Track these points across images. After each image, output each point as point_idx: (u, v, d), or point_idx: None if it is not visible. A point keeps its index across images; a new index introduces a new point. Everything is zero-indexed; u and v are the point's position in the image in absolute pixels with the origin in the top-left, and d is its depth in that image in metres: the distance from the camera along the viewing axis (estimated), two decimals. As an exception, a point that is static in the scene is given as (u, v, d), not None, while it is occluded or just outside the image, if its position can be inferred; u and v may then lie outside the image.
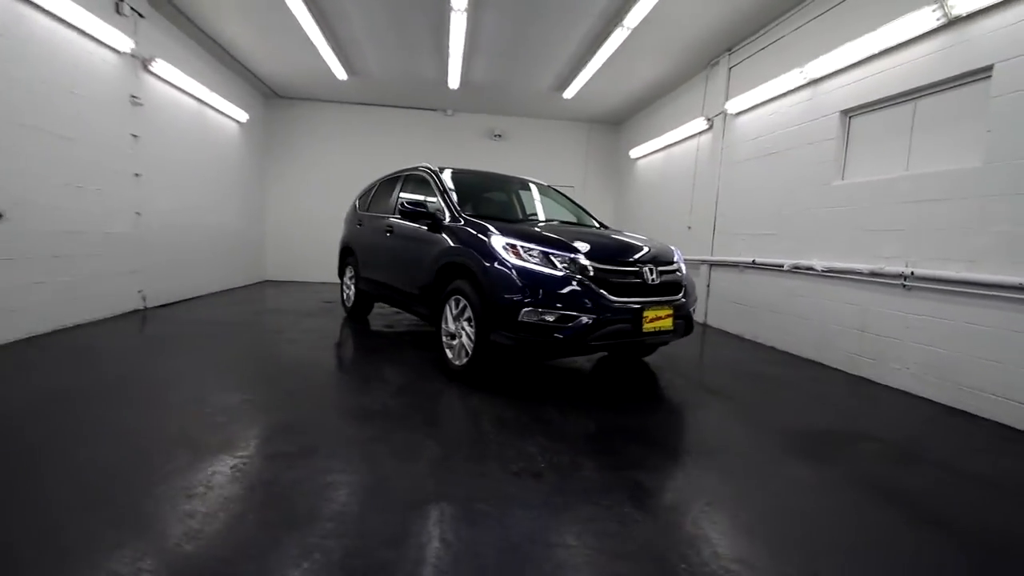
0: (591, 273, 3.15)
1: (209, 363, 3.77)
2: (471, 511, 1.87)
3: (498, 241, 3.28)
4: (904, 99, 4.01)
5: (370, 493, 1.96)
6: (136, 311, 5.42)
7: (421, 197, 4.35)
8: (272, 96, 9.24)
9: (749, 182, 5.89)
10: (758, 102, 5.69)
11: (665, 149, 8.17)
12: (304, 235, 9.64)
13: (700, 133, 7.07)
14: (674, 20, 5.55)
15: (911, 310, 3.81)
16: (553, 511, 1.90)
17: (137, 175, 5.40)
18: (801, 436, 2.87)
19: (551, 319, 3.02)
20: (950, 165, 3.61)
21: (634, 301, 3.21)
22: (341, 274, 6.22)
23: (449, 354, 3.62)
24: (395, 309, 5.99)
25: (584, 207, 5.22)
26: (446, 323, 3.64)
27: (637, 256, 3.46)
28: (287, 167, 9.59)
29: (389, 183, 5.40)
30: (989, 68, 3.33)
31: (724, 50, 6.39)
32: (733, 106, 6.10)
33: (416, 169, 4.87)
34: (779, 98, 5.38)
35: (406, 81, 8.18)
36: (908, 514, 2.06)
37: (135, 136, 5.35)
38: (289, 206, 9.62)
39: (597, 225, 4.73)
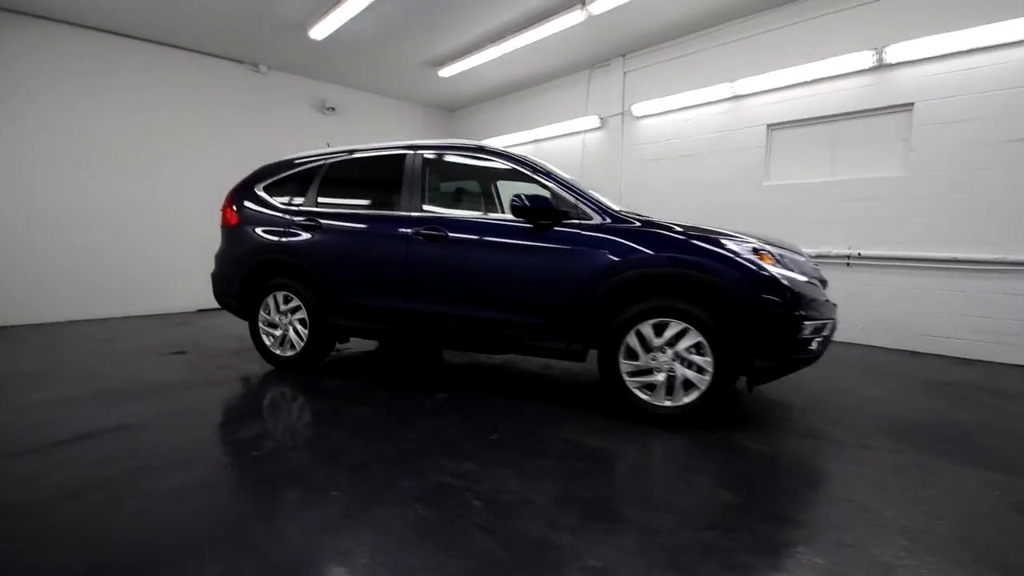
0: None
1: None
2: None
3: (742, 247, 2.66)
4: (829, 120, 5.18)
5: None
6: None
7: (545, 193, 3.04)
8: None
9: (664, 180, 6.49)
10: (671, 109, 6.31)
11: (535, 143, 8.13)
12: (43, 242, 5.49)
13: (588, 131, 7.35)
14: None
15: (853, 282, 5.02)
16: None
17: None
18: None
19: (819, 330, 2.67)
20: (879, 173, 4.89)
21: None
22: (253, 309, 3.82)
23: (645, 396, 2.74)
24: (361, 345, 4.06)
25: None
26: (630, 359, 2.74)
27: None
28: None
29: (368, 165, 3.66)
30: (911, 104, 4.64)
31: (617, 55, 6.79)
32: (639, 109, 6.57)
33: (441, 148, 3.43)
34: (697, 107, 6.10)
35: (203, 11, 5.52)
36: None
37: None
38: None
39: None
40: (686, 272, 2.64)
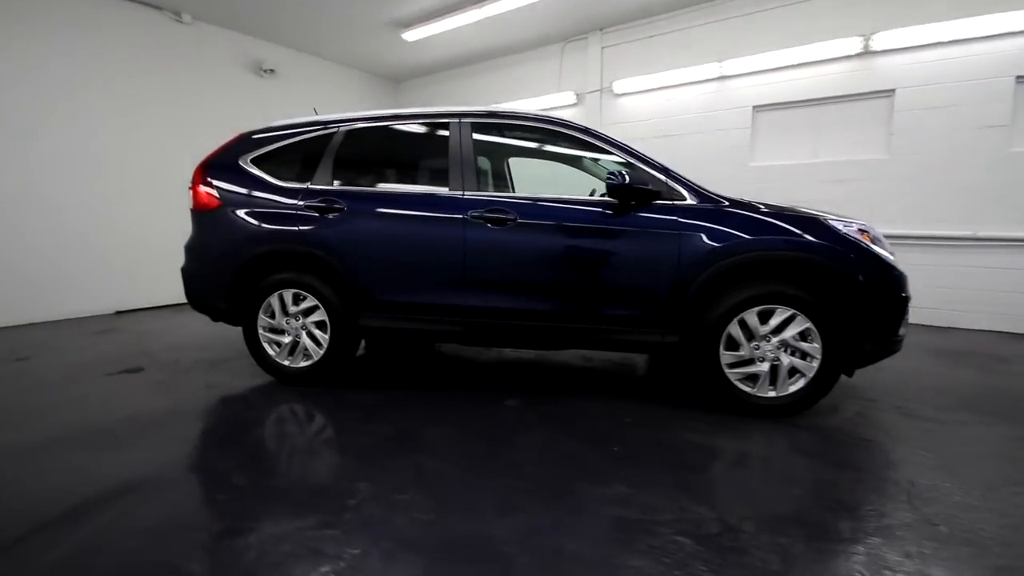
0: None
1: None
2: None
3: (849, 227, 2.54)
4: (813, 103, 5.36)
5: None
6: None
7: (647, 168, 2.68)
8: None
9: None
10: (655, 87, 6.20)
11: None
12: None
13: (562, 107, 7.04)
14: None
15: (836, 260, 5.31)
16: None
17: None
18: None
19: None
20: (861, 156, 5.16)
21: None
22: (249, 312, 3.06)
23: (747, 388, 2.58)
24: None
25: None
26: (730, 349, 2.56)
27: None
28: None
29: (400, 135, 3.13)
30: (892, 91, 4.92)
31: (594, 29, 6.53)
32: (620, 87, 6.39)
33: (494, 115, 2.97)
34: (682, 86, 6.05)
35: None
36: None
37: None
38: None
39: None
40: (801, 256, 2.48)
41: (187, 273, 3.20)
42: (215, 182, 3.12)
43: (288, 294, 3.01)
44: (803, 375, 2.55)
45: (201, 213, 3.14)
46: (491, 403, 2.82)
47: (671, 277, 2.58)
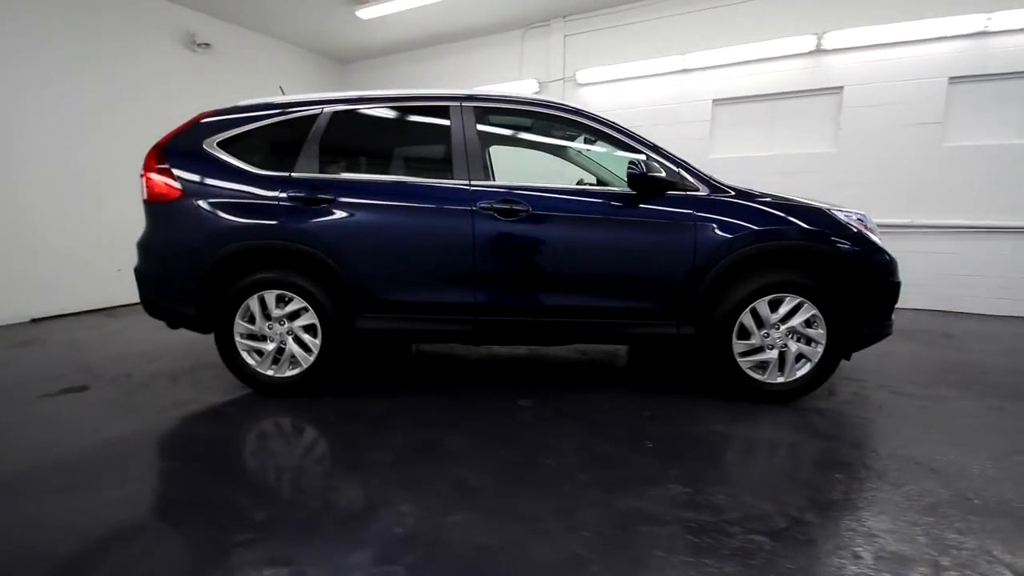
0: None
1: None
2: None
3: (850, 217, 2.66)
4: (769, 98, 5.61)
5: None
6: None
7: (660, 159, 2.61)
8: None
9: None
10: (618, 77, 6.22)
11: (459, 107, 7.39)
12: None
13: (523, 96, 6.90)
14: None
15: (790, 247, 5.63)
16: None
17: None
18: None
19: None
20: (812, 149, 5.48)
21: None
22: (223, 318, 2.69)
23: (757, 375, 2.63)
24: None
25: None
26: (741, 338, 2.61)
27: None
28: None
29: (395, 119, 2.85)
30: (841, 88, 5.24)
31: (556, 16, 6.44)
32: (584, 76, 6.36)
33: (506, 100, 2.82)
34: (646, 78, 6.11)
35: None
36: None
37: None
38: None
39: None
40: (810, 245, 2.56)
41: (143, 275, 2.77)
42: (174, 169, 2.70)
43: (270, 296, 2.68)
44: (808, 360, 2.64)
45: (158, 205, 2.72)
46: (503, 404, 2.69)
47: (688, 268, 2.56)
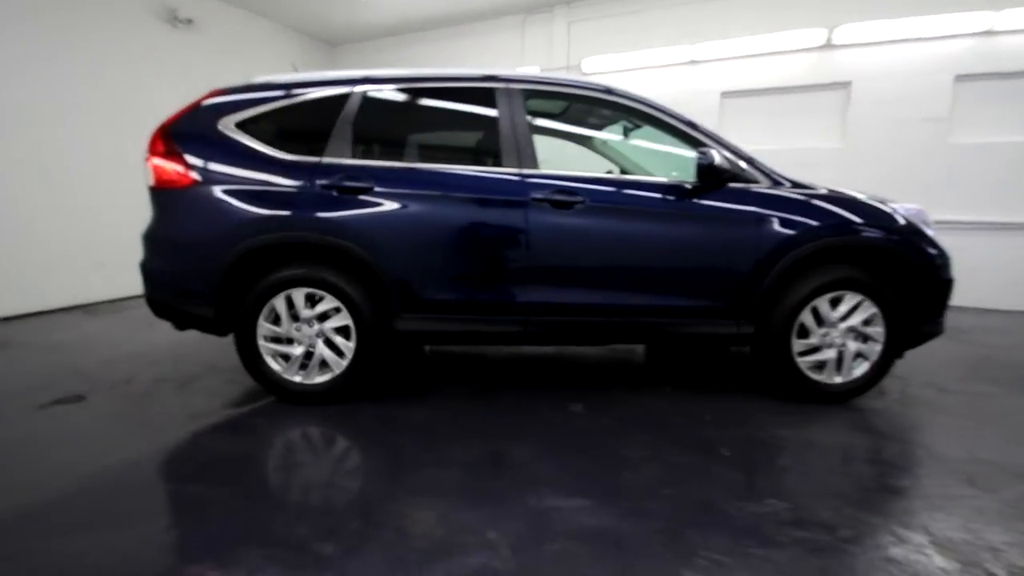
0: None
1: None
2: None
3: (908, 211, 2.59)
4: (776, 92, 5.58)
5: None
6: None
7: (724, 150, 2.47)
8: None
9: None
10: (626, 67, 6.08)
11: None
12: None
13: (524, 84, 6.69)
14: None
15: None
16: None
17: None
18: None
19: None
20: (819, 144, 5.48)
21: None
22: (246, 319, 2.41)
23: (816, 375, 2.55)
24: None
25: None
26: (800, 337, 2.51)
27: None
28: None
29: (435, 102, 2.63)
30: (849, 83, 5.25)
31: (560, 2, 6.24)
32: (590, 65, 6.20)
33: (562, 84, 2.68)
34: (655, 68, 5.99)
35: None
36: None
37: None
38: None
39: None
40: (873, 241, 2.49)
41: (151, 271, 2.47)
42: (186, 154, 2.41)
43: (299, 295, 2.43)
44: (865, 359, 2.58)
45: (168, 193, 2.42)
46: (554, 410, 2.52)
47: (752, 264, 2.45)
